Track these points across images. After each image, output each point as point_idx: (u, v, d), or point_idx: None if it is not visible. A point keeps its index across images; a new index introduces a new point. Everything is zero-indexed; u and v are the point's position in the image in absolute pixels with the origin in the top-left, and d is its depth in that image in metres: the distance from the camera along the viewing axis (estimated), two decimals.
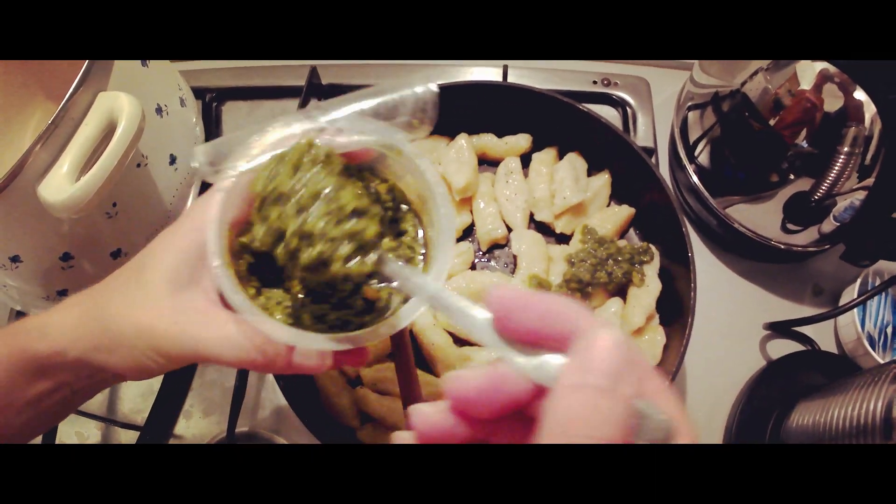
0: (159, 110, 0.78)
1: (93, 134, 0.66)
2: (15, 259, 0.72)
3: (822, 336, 0.85)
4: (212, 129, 0.98)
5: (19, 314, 0.95)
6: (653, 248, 0.80)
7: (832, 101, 0.73)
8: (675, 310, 0.77)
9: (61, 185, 0.65)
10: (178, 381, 0.87)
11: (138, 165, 0.76)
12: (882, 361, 0.79)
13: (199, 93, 0.94)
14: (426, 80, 0.50)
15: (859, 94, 0.72)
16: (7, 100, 0.89)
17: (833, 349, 0.85)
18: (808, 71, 0.74)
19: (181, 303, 0.46)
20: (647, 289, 0.78)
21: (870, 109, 0.72)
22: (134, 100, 0.67)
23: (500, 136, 0.87)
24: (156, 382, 0.86)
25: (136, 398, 0.89)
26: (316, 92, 0.98)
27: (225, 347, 0.46)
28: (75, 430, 0.88)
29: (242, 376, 0.82)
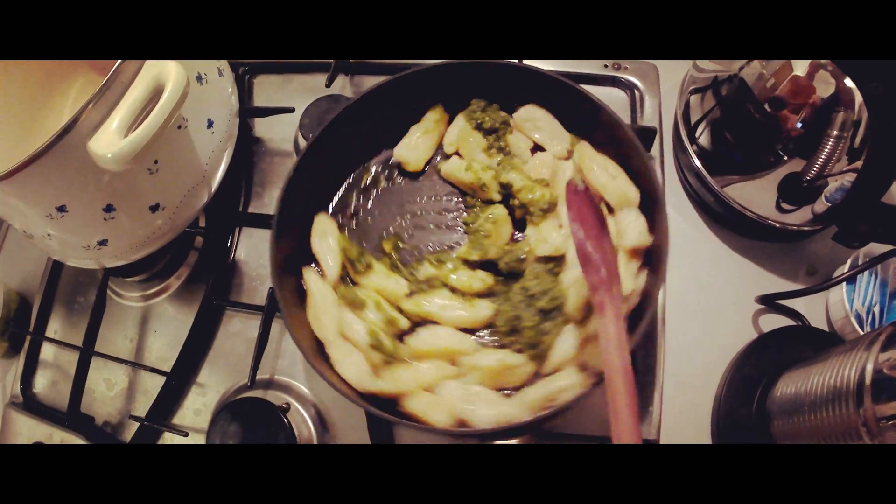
0: (200, 78, 0.85)
1: (141, 96, 0.73)
2: (62, 209, 0.79)
3: (814, 313, 0.89)
4: (244, 100, 1.05)
5: (54, 268, 1.03)
6: None
7: (824, 87, 0.78)
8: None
9: (111, 141, 0.71)
10: (203, 330, 0.93)
11: (179, 127, 0.82)
12: None
13: (233, 66, 1.01)
14: None
15: (849, 82, 0.77)
16: (52, 68, 0.96)
17: (823, 326, 0.89)
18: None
19: None
20: None
21: (859, 96, 0.77)
22: (180, 67, 0.74)
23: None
24: (182, 331, 0.93)
25: (164, 347, 0.95)
26: (344, 69, 1.04)
27: None
28: (104, 377, 0.95)
29: (266, 326, 0.88)
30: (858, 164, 0.80)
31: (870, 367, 0.66)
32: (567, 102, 0.85)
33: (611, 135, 0.81)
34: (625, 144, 0.79)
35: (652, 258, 0.77)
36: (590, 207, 0.69)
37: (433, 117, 0.91)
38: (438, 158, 0.92)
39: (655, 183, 0.76)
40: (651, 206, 0.77)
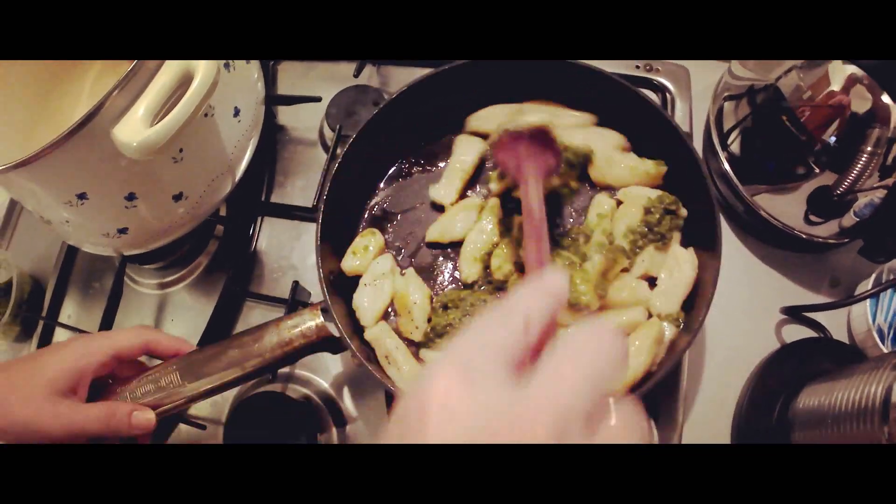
0: (227, 65, 0.83)
1: (169, 83, 0.71)
2: (82, 196, 0.77)
3: (836, 326, 0.89)
4: (269, 86, 1.03)
5: (69, 252, 1.01)
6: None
7: (860, 103, 0.77)
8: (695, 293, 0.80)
9: (136, 128, 0.70)
10: (222, 320, 0.92)
11: (205, 115, 0.80)
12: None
13: None
14: None
15: (886, 98, 0.76)
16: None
17: (844, 339, 0.89)
18: (838, 72, 0.78)
19: (56, 405, 0.69)
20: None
21: (895, 113, 0.76)
22: None
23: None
24: (200, 321, 0.92)
25: (180, 336, 0.93)
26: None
27: (87, 427, 0.70)
28: None
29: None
30: (890, 180, 0.79)
31: None
32: (623, 107, 0.84)
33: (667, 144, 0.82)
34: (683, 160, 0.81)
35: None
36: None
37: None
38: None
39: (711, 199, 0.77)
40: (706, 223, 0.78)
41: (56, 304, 0.98)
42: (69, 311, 0.98)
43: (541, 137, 0.74)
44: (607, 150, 0.86)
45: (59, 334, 0.97)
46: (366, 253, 0.83)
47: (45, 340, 0.97)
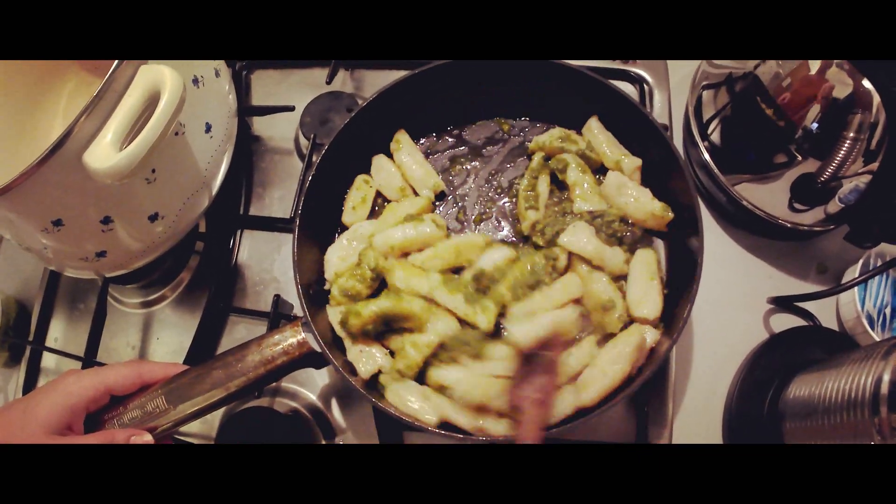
0: (196, 81, 0.81)
1: (136, 105, 0.70)
2: (57, 223, 0.76)
3: (824, 313, 0.89)
4: (242, 97, 1.02)
5: (52, 275, 1.00)
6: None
7: (841, 88, 0.76)
8: (682, 278, 0.80)
9: (106, 154, 0.68)
10: (207, 337, 0.92)
11: (176, 133, 0.79)
12: (878, 339, 0.82)
13: (230, 62, 0.98)
14: None
15: (867, 83, 0.75)
16: (43, 69, 0.93)
17: (834, 326, 0.89)
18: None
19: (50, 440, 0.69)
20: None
21: (877, 97, 0.75)
22: (175, 73, 0.70)
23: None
24: (185, 338, 0.92)
25: (167, 354, 0.94)
26: (345, 63, 1.01)
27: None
28: None
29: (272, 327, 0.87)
30: (874, 165, 0.78)
31: (886, 378, 0.66)
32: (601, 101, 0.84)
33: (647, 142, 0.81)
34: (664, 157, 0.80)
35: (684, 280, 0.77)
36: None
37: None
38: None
39: (695, 201, 0.76)
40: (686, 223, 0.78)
41: (42, 328, 0.98)
42: (56, 335, 0.98)
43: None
44: (621, 176, 0.84)
45: (48, 359, 0.97)
46: (363, 205, 0.86)
47: (34, 365, 0.97)
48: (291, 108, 0.96)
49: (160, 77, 0.70)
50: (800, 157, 0.80)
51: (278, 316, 0.87)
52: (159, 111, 0.70)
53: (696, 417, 0.86)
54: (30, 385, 0.95)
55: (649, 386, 0.82)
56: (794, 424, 0.80)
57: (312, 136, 0.92)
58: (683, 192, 0.78)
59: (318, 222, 0.82)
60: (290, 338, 0.75)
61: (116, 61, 0.69)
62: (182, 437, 0.87)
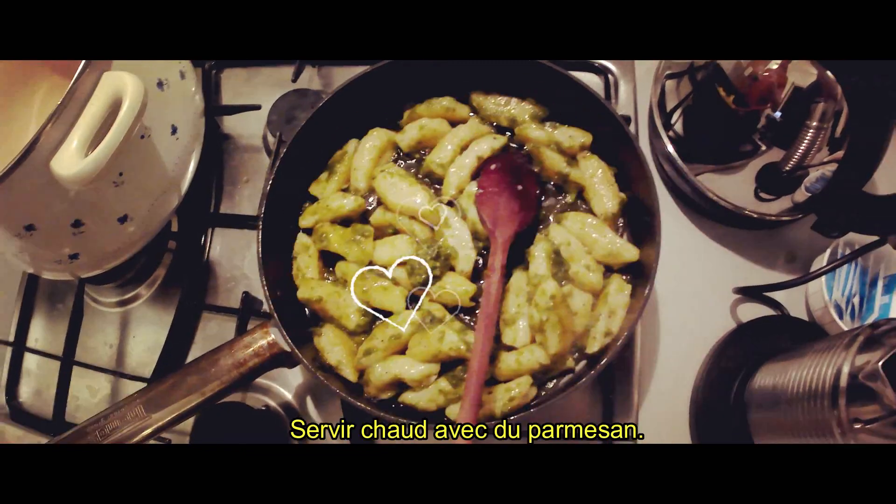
0: (160, 84, 0.82)
1: (99, 112, 0.71)
2: (29, 228, 0.77)
3: (793, 302, 0.89)
4: (211, 96, 1.02)
5: (31, 276, 1.02)
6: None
7: (804, 76, 0.76)
8: (640, 267, 0.79)
9: (72, 160, 0.70)
10: (181, 334, 0.94)
11: (142, 137, 0.80)
12: (846, 329, 0.83)
13: (198, 62, 0.98)
14: None
15: (830, 73, 0.74)
16: (13, 74, 0.93)
17: (803, 315, 0.89)
18: None
19: None
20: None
21: (840, 86, 0.74)
22: (136, 79, 0.71)
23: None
24: (161, 336, 0.93)
25: (143, 352, 0.96)
26: (311, 61, 1.01)
27: None
28: (86, 384, 0.96)
29: (241, 330, 0.88)
30: (839, 154, 0.78)
31: (846, 370, 0.67)
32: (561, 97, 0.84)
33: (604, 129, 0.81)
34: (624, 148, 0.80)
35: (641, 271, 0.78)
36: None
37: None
38: None
39: (653, 194, 0.76)
40: (646, 217, 0.78)
41: (23, 329, 1.00)
42: (36, 335, 0.99)
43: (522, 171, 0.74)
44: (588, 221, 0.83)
45: (29, 360, 0.98)
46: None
47: (16, 365, 0.98)
48: (258, 107, 0.96)
49: (121, 84, 0.71)
50: (764, 146, 0.80)
51: (247, 313, 0.88)
52: (121, 117, 0.71)
53: (663, 406, 0.87)
54: (12, 385, 0.97)
55: (615, 373, 0.83)
56: (759, 415, 0.80)
57: (279, 133, 0.93)
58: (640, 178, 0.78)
59: (284, 220, 0.83)
60: (260, 339, 0.76)
61: (82, 63, 0.70)
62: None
